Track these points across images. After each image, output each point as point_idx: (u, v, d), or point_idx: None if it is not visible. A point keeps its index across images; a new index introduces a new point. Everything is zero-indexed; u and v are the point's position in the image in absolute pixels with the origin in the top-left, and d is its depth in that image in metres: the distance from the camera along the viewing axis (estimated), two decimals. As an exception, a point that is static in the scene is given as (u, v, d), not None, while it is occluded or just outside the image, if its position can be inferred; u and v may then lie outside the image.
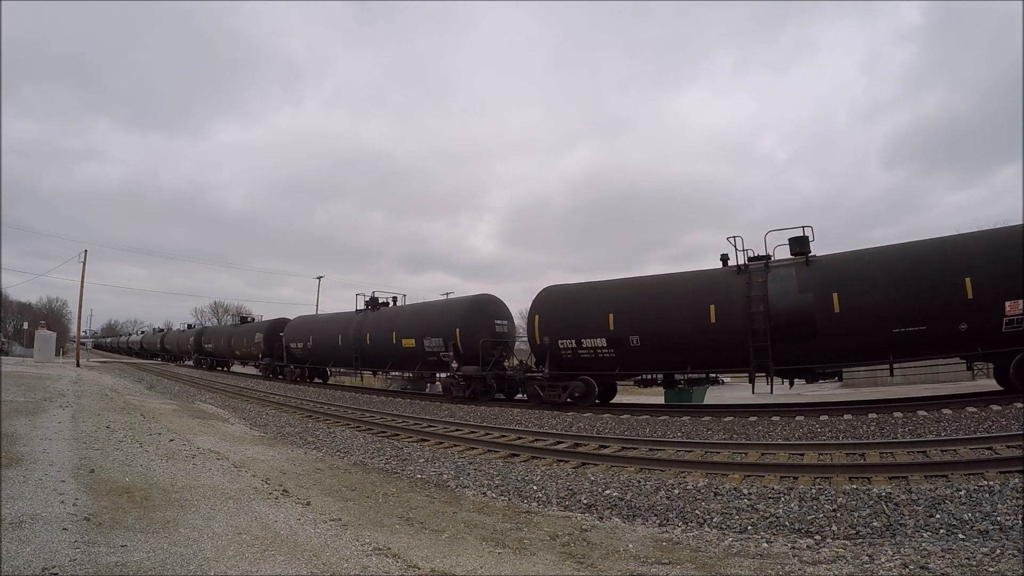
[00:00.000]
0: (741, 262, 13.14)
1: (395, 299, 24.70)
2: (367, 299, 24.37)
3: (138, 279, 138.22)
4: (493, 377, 17.55)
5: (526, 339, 17.04)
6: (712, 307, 12.80)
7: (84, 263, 37.00)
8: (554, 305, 15.75)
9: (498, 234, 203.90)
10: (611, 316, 14.29)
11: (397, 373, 24.13)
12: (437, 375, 21.34)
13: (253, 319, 39.53)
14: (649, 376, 14.90)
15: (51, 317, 68.35)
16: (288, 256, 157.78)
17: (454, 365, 18.20)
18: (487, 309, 18.94)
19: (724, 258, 13.82)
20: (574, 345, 14.86)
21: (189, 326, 54.27)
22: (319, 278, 54.47)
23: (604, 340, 14.36)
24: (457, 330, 18.46)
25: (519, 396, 17.78)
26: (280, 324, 30.87)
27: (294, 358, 27.85)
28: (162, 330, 64.95)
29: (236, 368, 38.55)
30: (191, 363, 44.69)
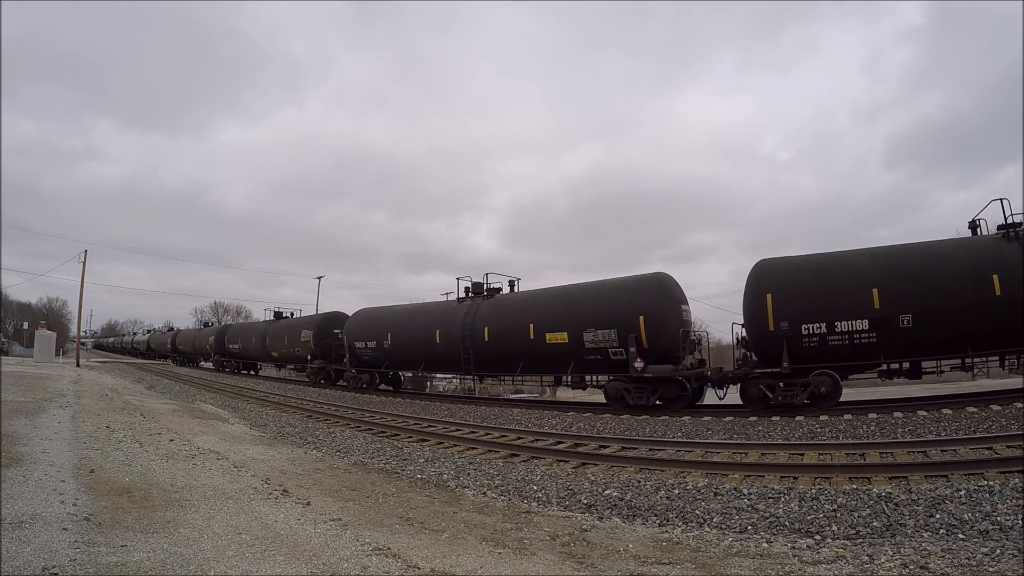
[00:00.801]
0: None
1: (513, 283, 19.19)
2: (468, 285, 19.52)
3: (138, 279, 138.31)
4: (690, 377, 13.89)
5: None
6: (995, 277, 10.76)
7: (84, 263, 37.03)
8: (792, 281, 12.72)
9: (499, 234, 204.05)
10: (875, 291, 11.70)
11: (510, 377, 18.69)
12: (588, 378, 16.07)
13: (292, 315, 32.79)
14: (898, 365, 12.30)
15: (51, 317, 68.36)
16: (289, 256, 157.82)
17: (638, 364, 13.90)
18: (675, 293, 14.75)
19: (974, 225, 12.13)
20: (823, 330, 12.07)
21: (205, 324, 51.38)
22: (319, 278, 54.47)
23: (866, 322, 11.78)
24: (641, 318, 14.13)
25: (704, 401, 14.55)
26: (336, 319, 26.37)
27: (361, 360, 22.58)
28: (172, 329, 59.18)
29: (268, 372, 35.31)
30: (211, 365, 41.40)
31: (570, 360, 15.45)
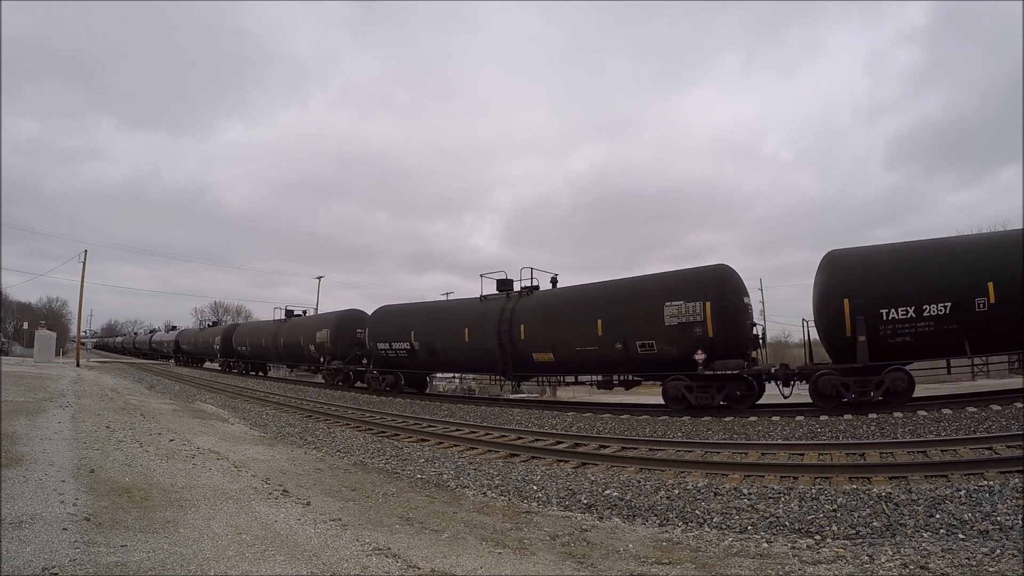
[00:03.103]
0: None
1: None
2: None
3: (139, 279, 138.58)
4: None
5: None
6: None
7: (84, 263, 37.04)
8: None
9: (501, 234, 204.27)
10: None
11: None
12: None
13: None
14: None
15: (51, 317, 68.36)
16: (290, 256, 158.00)
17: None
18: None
19: None
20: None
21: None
22: (319, 278, 54.50)
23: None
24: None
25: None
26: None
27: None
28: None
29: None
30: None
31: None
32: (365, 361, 22.64)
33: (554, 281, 18.15)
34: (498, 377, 18.89)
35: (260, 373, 34.90)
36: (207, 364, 44.55)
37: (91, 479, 6.26)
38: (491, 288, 18.81)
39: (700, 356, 12.97)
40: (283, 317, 31.63)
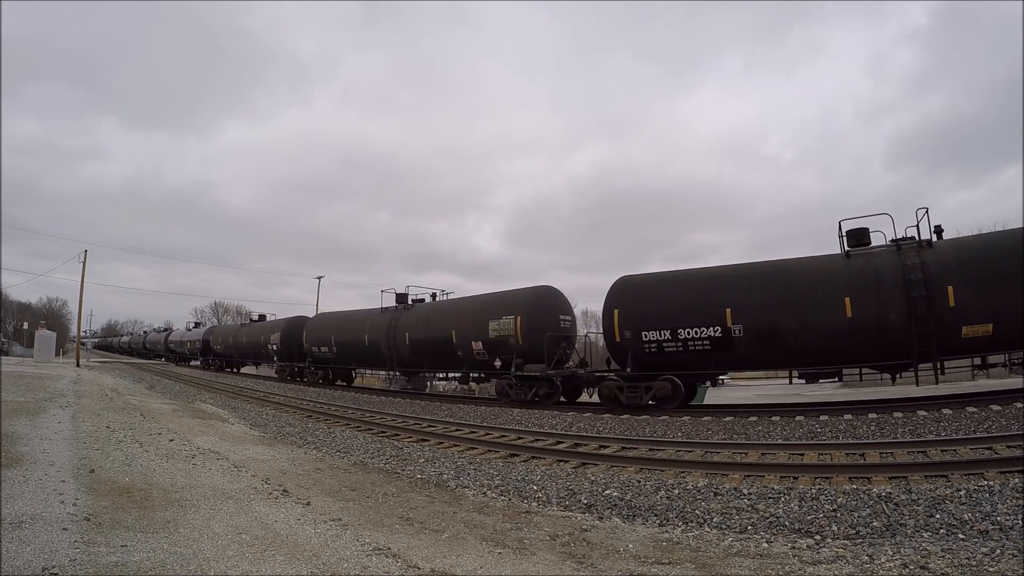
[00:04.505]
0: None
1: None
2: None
3: (140, 279, 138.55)
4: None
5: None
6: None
7: (84, 263, 37.04)
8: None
9: (502, 234, 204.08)
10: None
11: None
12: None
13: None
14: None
15: (51, 317, 68.39)
16: (291, 256, 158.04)
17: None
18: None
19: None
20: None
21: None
22: (319, 278, 54.61)
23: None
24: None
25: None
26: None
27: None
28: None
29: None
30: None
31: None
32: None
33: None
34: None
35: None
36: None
37: (91, 479, 6.25)
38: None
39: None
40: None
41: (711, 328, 13.06)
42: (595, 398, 15.72)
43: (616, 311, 14.33)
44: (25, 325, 59.03)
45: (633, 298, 14.33)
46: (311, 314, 33.78)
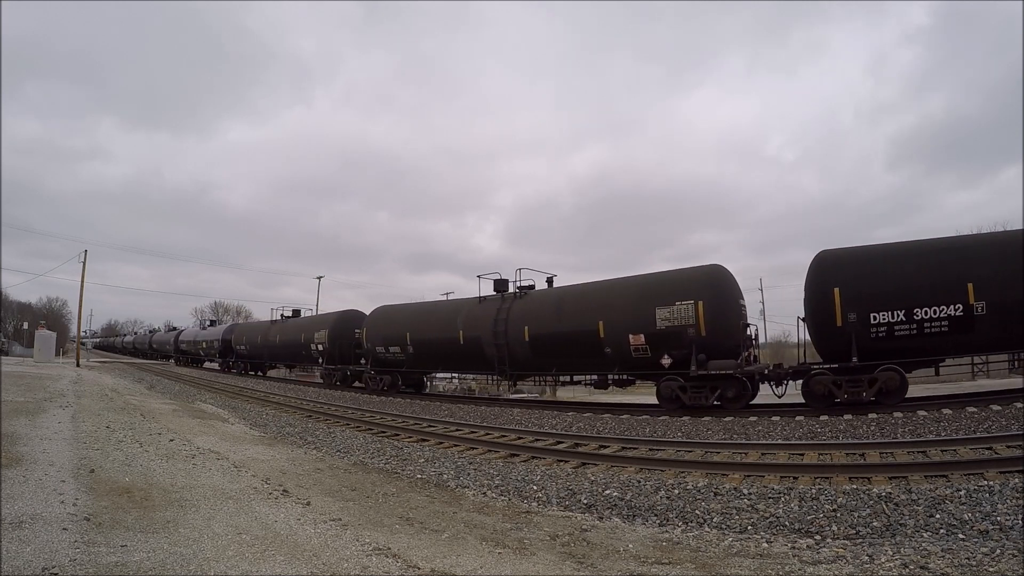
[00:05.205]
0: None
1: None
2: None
3: (140, 279, 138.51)
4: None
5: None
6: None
7: (84, 263, 37.05)
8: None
9: (503, 233, 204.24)
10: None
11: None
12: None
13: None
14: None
15: (51, 317, 68.38)
16: (291, 256, 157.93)
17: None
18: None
19: None
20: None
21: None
22: (319, 278, 54.58)
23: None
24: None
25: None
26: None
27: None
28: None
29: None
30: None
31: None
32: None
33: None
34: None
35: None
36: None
37: (91, 479, 6.25)
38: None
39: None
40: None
41: (951, 307, 11.26)
42: (781, 398, 13.39)
43: (836, 290, 11.97)
44: (25, 325, 59.08)
45: (857, 274, 12.07)
46: (325, 312, 31.31)
